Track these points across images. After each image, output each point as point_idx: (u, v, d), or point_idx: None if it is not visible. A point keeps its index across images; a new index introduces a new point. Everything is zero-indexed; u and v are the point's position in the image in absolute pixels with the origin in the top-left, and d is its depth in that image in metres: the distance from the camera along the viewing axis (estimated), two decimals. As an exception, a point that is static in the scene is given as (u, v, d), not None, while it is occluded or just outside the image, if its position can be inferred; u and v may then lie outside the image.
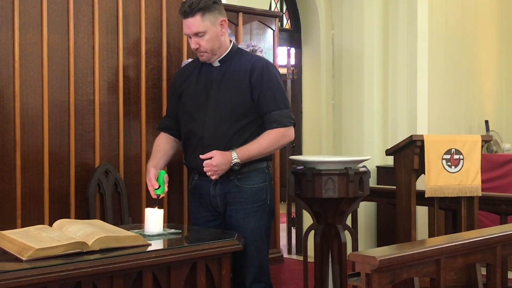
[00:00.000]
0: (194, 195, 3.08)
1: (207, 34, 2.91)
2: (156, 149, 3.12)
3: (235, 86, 2.94)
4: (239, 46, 4.01)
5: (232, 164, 2.84)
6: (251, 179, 2.96)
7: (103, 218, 3.61)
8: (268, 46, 4.73)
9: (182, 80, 3.10)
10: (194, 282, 2.50)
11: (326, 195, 3.40)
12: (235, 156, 2.84)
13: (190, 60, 3.93)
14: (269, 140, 2.90)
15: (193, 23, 2.89)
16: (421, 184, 4.12)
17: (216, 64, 3.01)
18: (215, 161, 2.82)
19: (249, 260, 2.91)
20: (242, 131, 2.91)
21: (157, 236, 2.69)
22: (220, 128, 2.91)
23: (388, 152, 4.22)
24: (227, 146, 2.89)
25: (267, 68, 2.97)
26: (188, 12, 2.89)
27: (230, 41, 3.06)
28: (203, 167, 2.87)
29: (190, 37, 2.95)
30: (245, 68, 2.95)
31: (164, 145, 3.12)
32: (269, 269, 3.04)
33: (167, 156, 3.12)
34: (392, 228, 4.82)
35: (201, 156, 2.85)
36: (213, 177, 2.86)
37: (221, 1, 3.01)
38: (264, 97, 2.91)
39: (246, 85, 2.92)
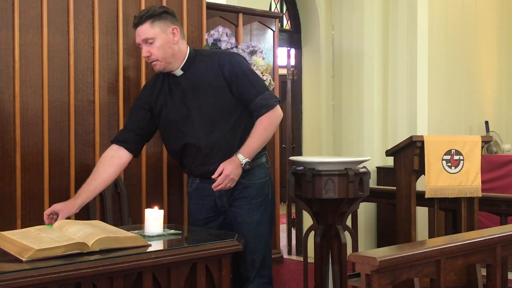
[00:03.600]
0: (195, 197, 3.08)
1: (157, 41, 2.88)
2: (92, 178, 2.95)
3: (212, 89, 2.92)
4: (239, 46, 4.03)
5: (242, 165, 2.84)
6: (254, 174, 2.99)
7: (103, 219, 3.61)
8: (268, 46, 4.73)
9: (154, 97, 3.03)
10: (194, 283, 2.50)
11: (326, 195, 3.40)
12: (241, 157, 2.84)
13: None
14: (265, 127, 2.91)
15: (143, 31, 2.88)
16: (421, 184, 4.12)
17: (179, 72, 2.98)
18: (227, 171, 2.80)
19: (253, 254, 2.93)
20: (235, 128, 2.92)
21: (157, 236, 2.69)
22: (213, 132, 2.91)
23: (388, 153, 4.22)
24: (226, 147, 2.89)
25: (233, 59, 2.98)
26: (137, 21, 2.90)
27: (188, 47, 3.02)
28: (214, 173, 2.82)
29: (141, 47, 2.92)
30: (214, 68, 2.94)
31: (102, 171, 2.97)
32: (272, 265, 3.05)
33: (97, 191, 2.97)
34: (392, 228, 4.82)
35: (213, 177, 2.81)
36: (232, 185, 2.84)
37: (174, 12, 2.99)
38: (244, 87, 2.92)
39: (222, 83, 2.92)
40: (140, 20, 2.89)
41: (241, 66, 2.97)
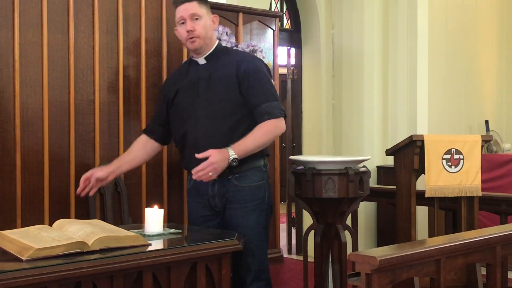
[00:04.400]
0: (192, 195, 3.09)
1: (202, 20, 2.97)
2: (126, 153, 3.23)
3: (223, 83, 2.95)
4: (239, 46, 4.03)
5: (230, 161, 2.81)
6: (249, 177, 2.97)
7: (103, 218, 3.61)
8: (268, 46, 4.73)
9: (172, 84, 3.12)
10: (194, 282, 2.49)
11: (326, 195, 3.40)
12: (231, 152, 2.82)
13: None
14: (263, 132, 2.89)
15: (191, 6, 2.96)
16: (421, 184, 4.12)
17: (202, 61, 3.03)
18: (214, 158, 2.77)
19: (249, 258, 2.92)
20: (235, 127, 2.91)
21: (157, 236, 2.69)
22: (213, 126, 2.92)
23: (388, 152, 4.22)
24: (221, 144, 2.88)
25: (253, 62, 3.00)
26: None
27: (217, 40, 3.10)
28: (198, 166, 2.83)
29: (183, 22, 2.97)
30: (232, 64, 2.97)
31: (136, 149, 3.19)
32: (269, 267, 3.04)
33: (129, 165, 3.18)
34: (392, 228, 4.81)
35: (197, 156, 2.80)
36: (213, 176, 2.80)
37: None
38: (253, 91, 2.92)
39: (234, 80, 2.93)
40: None
41: (258, 70, 2.97)
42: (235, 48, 3.93)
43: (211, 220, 3.03)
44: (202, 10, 2.97)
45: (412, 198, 4.04)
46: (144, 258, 2.32)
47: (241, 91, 2.92)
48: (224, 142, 2.88)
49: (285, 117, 2.97)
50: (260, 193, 2.99)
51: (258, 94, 2.92)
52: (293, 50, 6.24)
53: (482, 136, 4.14)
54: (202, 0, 2.99)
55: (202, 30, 2.96)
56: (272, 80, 3.07)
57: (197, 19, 2.95)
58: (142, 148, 3.19)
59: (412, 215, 4.05)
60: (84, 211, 3.63)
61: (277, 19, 4.84)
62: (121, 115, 3.81)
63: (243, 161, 2.91)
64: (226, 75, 2.95)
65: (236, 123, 2.92)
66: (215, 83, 2.96)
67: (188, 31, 2.95)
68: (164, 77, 4.01)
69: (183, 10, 2.97)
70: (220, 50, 3.05)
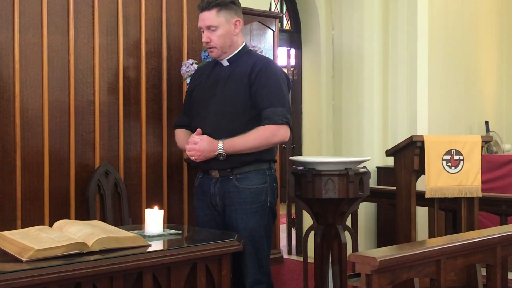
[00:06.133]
0: (198, 192, 3.09)
1: (219, 30, 2.96)
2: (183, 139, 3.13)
3: (236, 83, 2.95)
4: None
5: (216, 154, 2.85)
6: (250, 179, 2.95)
7: (103, 219, 3.61)
8: (268, 46, 4.73)
9: (196, 78, 3.15)
10: (194, 283, 2.49)
11: (326, 195, 3.40)
12: (220, 146, 2.85)
13: (190, 60, 3.94)
14: (256, 135, 2.88)
15: (208, 17, 2.95)
16: (421, 184, 4.12)
17: (225, 63, 3.04)
18: (200, 147, 2.86)
19: (248, 261, 2.91)
20: (242, 129, 2.90)
21: (157, 236, 2.69)
22: (221, 124, 2.92)
23: (388, 153, 4.22)
24: None
25: (267, 66, 2.98)
26: (205, 6, 2.96)
27: (243, 42, 3.08)
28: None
29: (203, 31, 2.99)
30: (248, 64, 2.97)
31: (186, 137, 3.08)
32: (270, 271, 3.03)
33: None
34: (392, 228, 4.82)
35: (190, 139, 2.88)
36: (197, 160, 2.89)
37: (239, 3, 3.06)
38: (260, 94, 2.91)
39: (246, 82, 2.93)
40: (207, 5, 2.95)
41: (270, 75, 2.94)
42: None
43: (214, 220, 3.02)
44: (220, 19, 2.95)
45: (412, 198, 4.04)
46: (144, 259, 2.33)
47: (251, 93, 2.92)
48: None
49: (289, 126, 2.93)
50: (261, 196, 2.97)
51: (264, 98, 2.90)
52: (293, 51, 6.24)
53: (482, 136, 4.14)
54: (223, 5, 2.96)
55: (218, 41, 2.96)
56: (286, 87, 3.01)
57: (213, 30, 2.95)
58: (188, 136, 3.08)
59: (412, 216, 4.05)
60: (84, 211, 3.63)
61: (277, 19, 4.85)
62: (121, 116, 3.81)
63: (246, 163, 2.91)
64: (240, 76, 2.95)
65: (244, 124, 2.90)
66: (230, 83, 2.97)
67: (205, 42, 2.99)
68: (164, 78, 4.01)
69: (201, 20, 2.98)
70: (244, 53, 3.04)
